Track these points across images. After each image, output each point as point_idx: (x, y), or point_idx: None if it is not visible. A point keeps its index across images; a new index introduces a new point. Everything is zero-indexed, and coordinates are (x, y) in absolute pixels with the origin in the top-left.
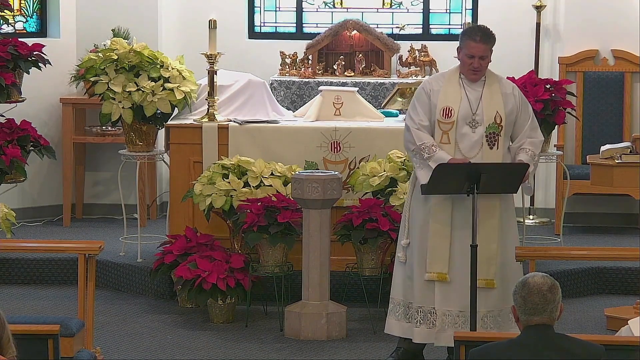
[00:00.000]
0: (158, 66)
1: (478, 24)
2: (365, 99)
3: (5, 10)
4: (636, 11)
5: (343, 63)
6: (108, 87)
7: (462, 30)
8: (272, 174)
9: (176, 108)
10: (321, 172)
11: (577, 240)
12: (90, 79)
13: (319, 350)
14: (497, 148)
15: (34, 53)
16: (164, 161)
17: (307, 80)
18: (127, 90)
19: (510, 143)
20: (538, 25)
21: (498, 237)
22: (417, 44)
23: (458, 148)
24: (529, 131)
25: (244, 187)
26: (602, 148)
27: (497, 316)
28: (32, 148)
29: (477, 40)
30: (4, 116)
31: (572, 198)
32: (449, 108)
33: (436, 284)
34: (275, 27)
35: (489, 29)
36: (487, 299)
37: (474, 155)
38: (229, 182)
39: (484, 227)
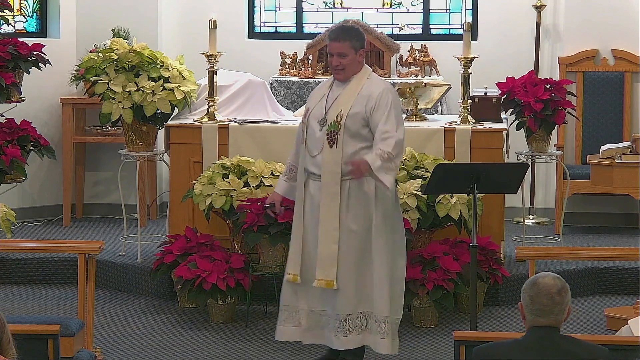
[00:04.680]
0: (158, 66)
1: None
2: None
3: (5, 10)
4: (636, 11)
5: None
6: (108, 87)
7: None
8: (272, 174)
9: (176, 108)
10: None
11: (577, 240)
12: (90, 79)
13: (319, 350)
14: (337, 147)
15: (34, 53)
16: (164, 161)
17: (307, 80)
18: (127, 90)
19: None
20: (538, 25)
21: (338, 238)
22: (417, 44)
23: (307, 147)
24: (381, 127)
25: (244, 187)
26: (602, 148)
27: (355, 319)
28: (32, 148)
29: (332, 38)
30: (4, 116)
31: (572, 198)
32: (308, 109)
33: (299, 284)
34: (275, 27)
35: (352, 27)
36: (336, 302)
37: (317, 153)
38: (229, 182)
39: (325, 226)
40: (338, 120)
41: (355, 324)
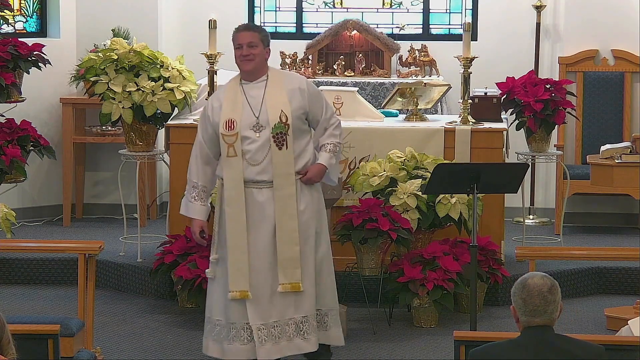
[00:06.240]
0: (158, 66)
1: None
2: (365, 99)
3: (5, 10)
4: (636, 11)
5: (343, 63)
6: (108, 87)
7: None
8: None
9: (176, 108)
10: None
11: (577, 240)
12: (90, 79)
13: None
14: (287, 148)
15: (34, 53)
16: (164, 161)
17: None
18: (127, 90)
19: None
20: (538, 25)
21: (299, 238)
22: (417, 44)
23: (245, 158)
24: (323, 117)
25: None
26: (602, 148)
27: (317, 316)
28: (32, 148)
29: (239, 30)
30: (4, 116)
31: (572, 198)
32: (232, 120)
33: (246, 300)
34: (275, 27)
35: (261, 26)
36: (301, 304)
37: (261, 159)
38: None
39: (284, 229)
40: (284, 121)
41: (314, 321)
